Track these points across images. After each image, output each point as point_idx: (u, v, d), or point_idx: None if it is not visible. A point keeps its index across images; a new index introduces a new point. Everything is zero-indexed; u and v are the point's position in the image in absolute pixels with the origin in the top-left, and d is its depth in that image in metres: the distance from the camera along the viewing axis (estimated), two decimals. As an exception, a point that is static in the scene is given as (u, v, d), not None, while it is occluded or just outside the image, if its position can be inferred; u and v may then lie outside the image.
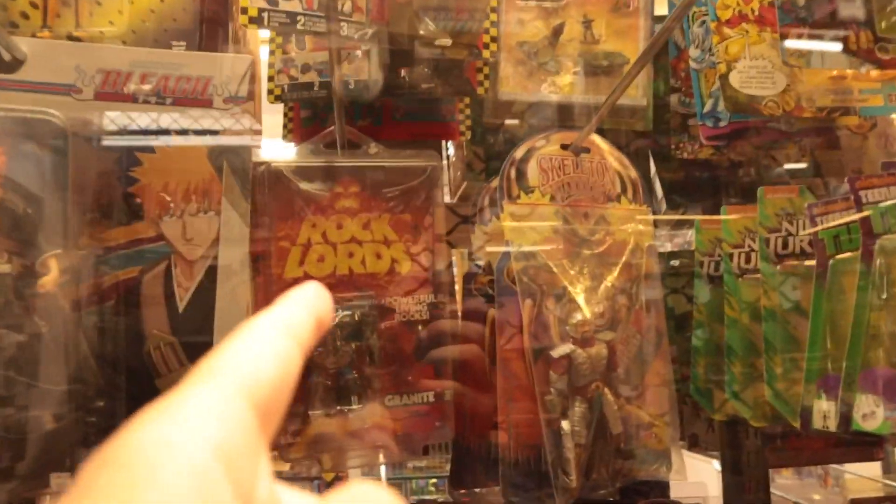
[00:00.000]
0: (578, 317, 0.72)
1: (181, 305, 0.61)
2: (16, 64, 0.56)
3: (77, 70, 0.57)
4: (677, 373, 0.92)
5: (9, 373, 0.50)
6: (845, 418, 0.69)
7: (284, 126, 0.88)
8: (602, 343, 0.74)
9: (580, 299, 0.74)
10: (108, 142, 0.58)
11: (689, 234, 1.00)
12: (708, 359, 0.94)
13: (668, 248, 1.13)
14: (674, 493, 0.99)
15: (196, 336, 0.62)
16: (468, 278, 0.82)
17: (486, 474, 0.79)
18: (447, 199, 1.00)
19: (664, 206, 1.05)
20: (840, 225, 0.76)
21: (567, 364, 0.72)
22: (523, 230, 0.73)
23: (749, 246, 0.88)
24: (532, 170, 0.75)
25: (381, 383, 0.73)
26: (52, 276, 0.53)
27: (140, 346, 0.61)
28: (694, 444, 1.15)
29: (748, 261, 0.88)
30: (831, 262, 0.75)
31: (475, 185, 0.95)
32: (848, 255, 0.74)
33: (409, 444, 0.73)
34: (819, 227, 0.76)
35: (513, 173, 0.74)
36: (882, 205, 0.69)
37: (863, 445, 1.03)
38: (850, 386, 0.69)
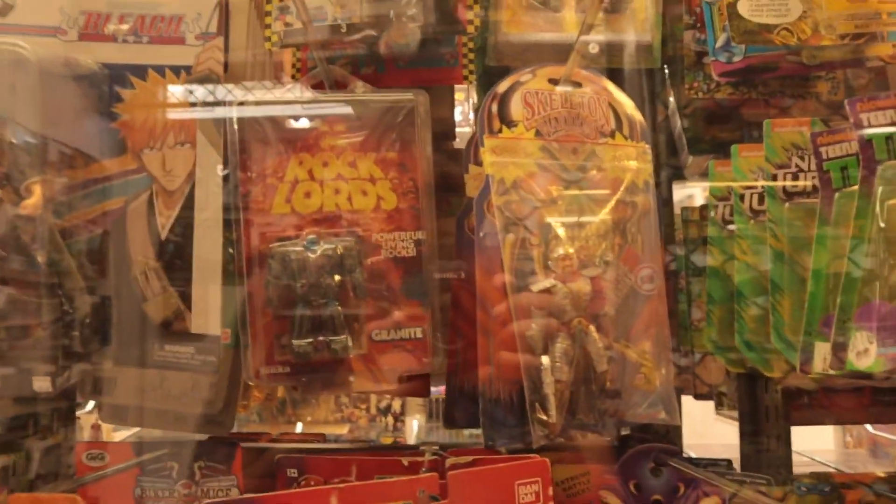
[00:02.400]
0: (560, 251, 0.71)
1: (163, 233, 0.65)
2: (6, 9, 0.60)
3: (62, 13, 0.61)
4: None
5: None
6: (839, 357, 0.65)
7: (294, 66, 0.90)
8: (586, 279, 0.72)
9: (563, 234, 0.73)
10: (92, 80, 0.62)
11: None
12: (722, 308, 0.90)
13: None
14: (699, 453, 0.96)
15: (177, 260, 0.66)
16: (460, 218, 0.82)
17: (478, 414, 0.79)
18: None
19: (685, 147, 1.01)
20: (849, 155, 0.71)
21: (548, 299, 0.71)
22: (505, 164, 0.72)
23: (762, 187, 0.84)
24: (516, 104, 0.74)
25: (368, 318, 0.75)
26: (34, 200, 0.58)
27: (127, 272, 0.65)
28: (720, 404, 1.11)
29: (761, 201, 0.84)
30: (837, 195, 0.71)
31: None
32: (855, 188, 0.70)
33: (392, 375, 0.75)
34: (825, 158, 0.71)
35: (494, 107, 0.73)
36: (885, 129, 0.64)
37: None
38: (846, 323, 0.65)
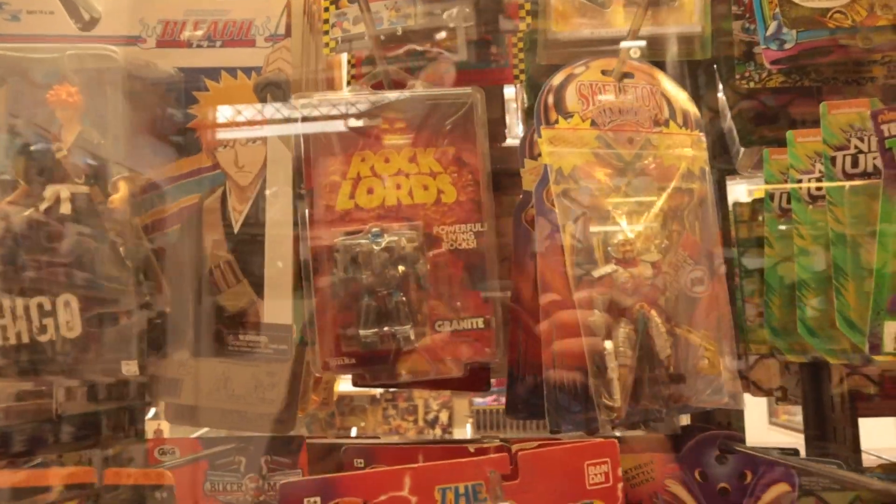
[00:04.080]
0: (620, 237, 0.72)
1: (236, 227, 0.68)
2: (93, 22, 0.64)
3: (141, 23, 0.65)
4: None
5: (84, 273, 0.58)
6: (912, 335, 0.65)
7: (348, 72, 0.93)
8: (647, 264, 0.73)
9: (623, 221, 0.74)
10: (169, 84, 0.65)
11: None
12: (782, 297, 0.89)
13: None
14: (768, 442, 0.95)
15: (250, 254, 0.68)
16: (517, 212, 0.83)
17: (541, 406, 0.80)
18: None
19: (735, 140, 1.01)
20: (911, 134, 0.71)
21: (610, 284, 0.72)
22: (562, 154, 0.74)
23: (820, 171, 0.84)
24: (571, 95, 0.76)
25: (431, 309, 0.77)
26: (121, 195, 0.61)
27: (202, 266, 0.68)
28: (783, 398, 1.10)
29: (819, 187, 0.84)
30: (901, 173, 0.70)
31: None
32: (920, 165, 0.69)
33: (456, 365, 0.76)
34: (887, 136, 0.71)
35: (550, 99, 0.75)
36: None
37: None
38: (918, 300, 0.65)
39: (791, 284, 0.87)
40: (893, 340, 0.69)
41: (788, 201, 0.89)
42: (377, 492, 0.61)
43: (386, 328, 0.74)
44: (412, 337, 0.75)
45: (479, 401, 3.05)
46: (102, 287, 0.60)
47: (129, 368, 0.60)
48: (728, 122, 1.06)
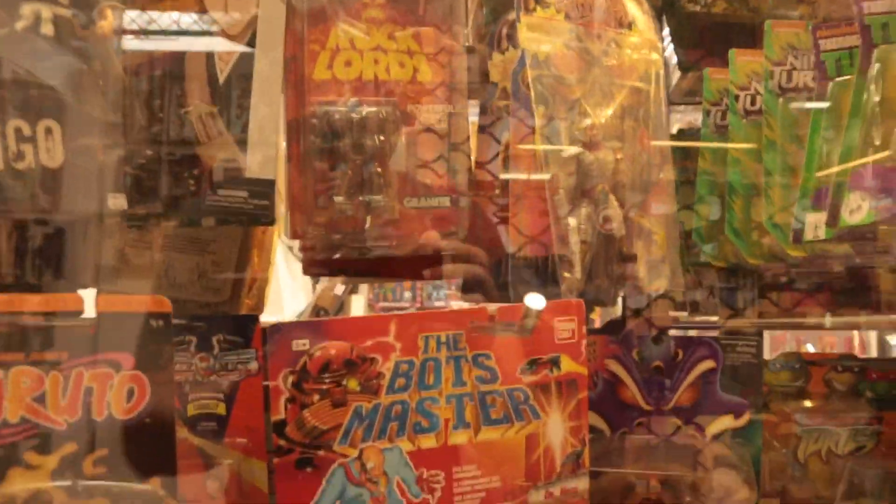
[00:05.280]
0: (588, 121, 0.77)
1: (221, 77, 0.66)
2: None
3: None
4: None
5: (67, 99, 0.55)
6: (834, 220, 0.74)
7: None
8: (609, 149, 0.78)
9: (589, 108, 0.78)
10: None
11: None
12: (711, 205, 0.98)
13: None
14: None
15: (234, 107, 0.67)
16: (487, 100, 0.86)
17: (497, 289, 0.85)
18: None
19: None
20: (843, 49, 0.80)
21: (575, 165, 0.77)
22: (539, 40, 0.77)
23: (755, 89, 0.92)
24: (549, -14, 0.79)
25: (401, 184, 0.79)
26: (108, 23, 0.58)
27: (184, 116, 0.66)
28: (695, 310, 1.20)
29: (753, 103, 0.92)
30: (831, 84, 0.79)
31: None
32: (849, 77, 0.78)
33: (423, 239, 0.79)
34: (823, 49, 0.79)
35: (530, -14, 0.78)
36: (883, 16, 0.72)
37: None
38: (840, 190, 0.74)
39: (720, 195, 0.96)
40: (813, 230, 0.78)
41: (723, 118, 0.98)
42: (364, 336, 0.63)
43: (360, 197, 0.75)
44: (384, 207, 0.76)
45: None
46: (86, 117, 0.57)
47: (117, 202, 0.58)
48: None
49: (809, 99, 0.84)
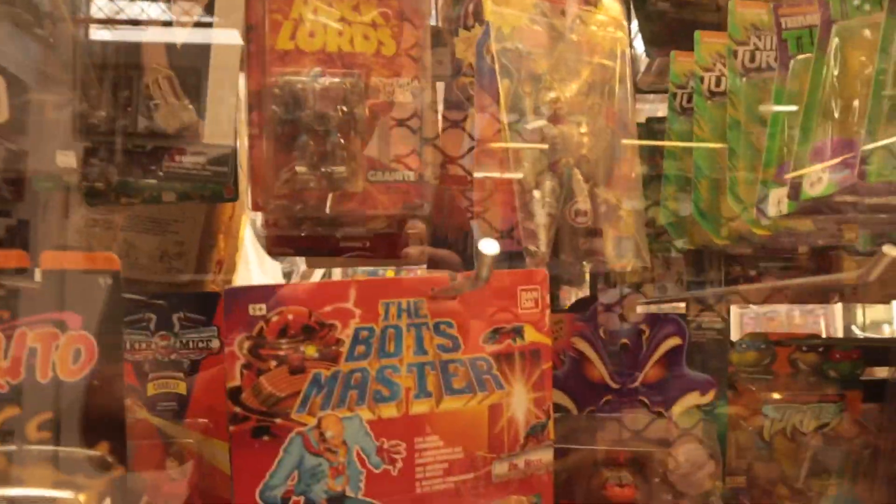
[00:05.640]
0: (552, 94, 0.77)
1: (178, 42, 0.65)
2: None
3: None
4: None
5: (12, 52, 0.54)
6: (796, 193, 0.74)
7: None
8: (573, 124, 0.78)
9: (555, 83, 0.78)
10: None
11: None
12: (677, 188, 0.99)
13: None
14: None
15: (192, 72, 0.66)
16: (451, 77, 0.86)
17: (463, 265, 0.84)
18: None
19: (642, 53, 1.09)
20: (804, 27, 0.81)
21: (539, 139, 0.76)
22: (503, 13, 0.77)
23: (720, 70, 0.93)
24: (514, -40, 0.79)
25: (365, 158, 0.78)
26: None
27: (140, 77, 0.65)
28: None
29: (718, 84, 0.93)
30: (792, 61, 0.80)
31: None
32: (809, 55, 0.79)
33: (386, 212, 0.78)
34: (784, 28, 0.80)
35: (495, -41, 0.78)
36: (839, -8, 0.73)
37: None
38: (801, 164, 0.74)
39: (686, 179, 0.97)
40: (776, 205, 0.79)
41: (688, 101, 0.99)
42: (322, 302, 0.62)
43: (322, 168, 0.74)
44: (347, 179, 0.75)
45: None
46: (34, 71, 0.56)
47: (65, 159, 0.56)
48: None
49: (771, 79, 0.84)
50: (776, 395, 0.92)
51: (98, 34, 0.64)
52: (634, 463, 0.84)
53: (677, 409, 0.86)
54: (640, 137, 1.19)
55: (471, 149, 0.85)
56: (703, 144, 0.92)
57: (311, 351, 0.61)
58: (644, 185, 0.98)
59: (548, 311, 0.70)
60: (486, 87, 0.77)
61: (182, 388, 0.85)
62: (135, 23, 0.65)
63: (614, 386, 0.87)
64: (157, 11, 0.66)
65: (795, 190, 0.74)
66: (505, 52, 0.77)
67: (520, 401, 0.68)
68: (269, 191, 0.75)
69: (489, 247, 0.56)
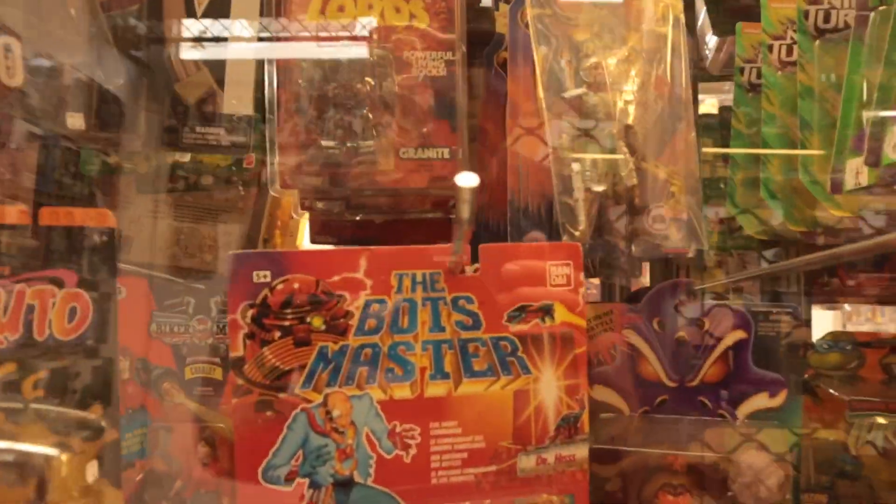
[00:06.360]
0: (593, 60, 0.71)
1: (199, 10, 0.65)
2: None
3: None
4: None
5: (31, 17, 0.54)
6: (875, 158, 0.65)
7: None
8: (617, 92, 0.72)
9: (597, 50, 0.73)
10: None
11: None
12: (747, 171, 0.90)
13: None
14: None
15: (214, 42, 0.65)
16: (490, 52, 0.82)
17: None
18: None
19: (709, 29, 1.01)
20: (884, -23, 0.71)
21: (579, 107, 0.71)
22: (540, -23, 0.72)
23: (791, 37, 0.84)
24: (552, -78, 0.74)
25: (396, 134, 0.75)
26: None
27: (160, 52, 0.65)
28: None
29: (790, 52, 0.84)
30: (872, 14, 0.71)
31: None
32: (892, 7, 0.69)
33: (419, 188, 0.74)
34: (859, -20, 0.71)
35: (531, -78, 0.74)
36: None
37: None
38: (881, 126, 0.65)
39: (755, 158, 0.88)
40: (854, 176, 0.69)
41: (757, 76, 0.90)
42: (331, 271, 0.59)
43: (348, 143, 0.72)
44: (375, 154, 0.72)
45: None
46: (51, 35, 0.56)
47: (74, 122, 0.56)
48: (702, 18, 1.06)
49: (848, 38, 0.75)
50: (865, 403, 0.80)
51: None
52: (692, 470, 0.75)
53: (742, 411, 0.76)
54: (713, 129, 1.11)
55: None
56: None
57: (317, 322, 0.58)
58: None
59: (582, 290, 0.63)
60: (519, 56, 0.72)
61: (218, 373, 0.84)
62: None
63: (670, 384, 0.79)
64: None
65: (875, 154, 0.64)
66: (541, 17, 0.72)
67: (549, 388, 0.62)
68: (296, 166, 0.73)
69: (467, 179, 0.51)
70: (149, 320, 0.84)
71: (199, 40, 0.63)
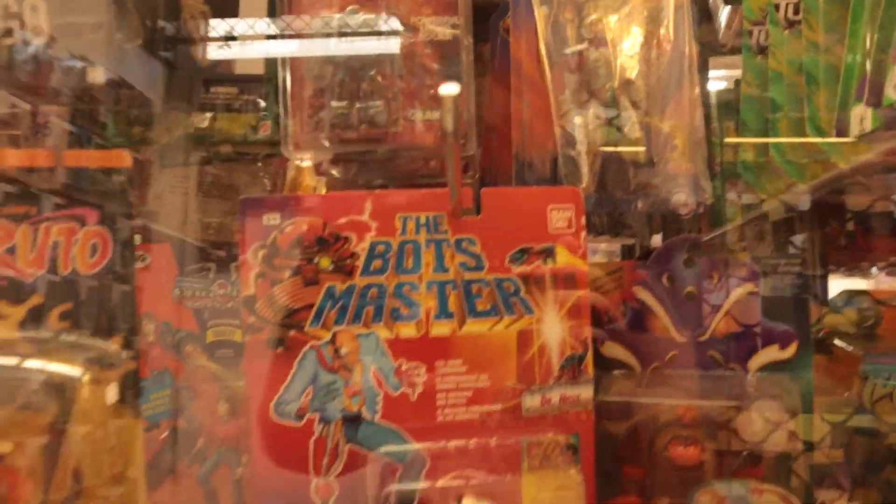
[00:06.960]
0: (593, 16, 0.73)
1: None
2: None
3: None
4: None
5: None
6: (877, 98, 0.65)
7: None
8: (620, 48, 0.74)
9: (598, 8, 0.74)
10: None
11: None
12: (757, 134, 0.90)
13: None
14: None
15: (225, 6, 0.69)
16: (496, 18, 0.84)
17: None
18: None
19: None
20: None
21: (580, 62, 0.72)
22: (540, -62, 0.74)
23: (797, -9, 0.84)
24: None
25: (404, 97, 0.77)
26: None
27: (177, 14, 0.68)
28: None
29: (797, 11, 0.84)
30: (873, -36, 0.71)
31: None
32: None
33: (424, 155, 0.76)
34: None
35: None
36: None
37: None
38: (882, 66, 0.65)
39: (765, 120, 0.88)
40: (859, 122, 0.69)
41: (766, 38, 0.90)
42: (337, 214, 0.61)
43: (357, 104, 0.74)
44: (384, 114, 0.75)
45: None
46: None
47: (95, 76, 0.60)
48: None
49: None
50: (880, 354, 0.80)
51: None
52: (703, 422, 0.76)
53: (753, 364, 0.76)
54: (727, 103, 1.11)
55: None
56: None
57: (325, 263, 0.60)
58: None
59: (583, 234, 0.65)
60: (521, 17, 0.74)
61: (238, 335, 0.87)
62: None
63: (680, 340, 0.79)
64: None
65: (876, 95, 0.65)
66: (543, -22, 0.74)
67: (552, 329, 0.63)
68: (307, 129, 0.76)
69: (449, 88, 0.53)
70: (172, 285, 0.87)
71: None
